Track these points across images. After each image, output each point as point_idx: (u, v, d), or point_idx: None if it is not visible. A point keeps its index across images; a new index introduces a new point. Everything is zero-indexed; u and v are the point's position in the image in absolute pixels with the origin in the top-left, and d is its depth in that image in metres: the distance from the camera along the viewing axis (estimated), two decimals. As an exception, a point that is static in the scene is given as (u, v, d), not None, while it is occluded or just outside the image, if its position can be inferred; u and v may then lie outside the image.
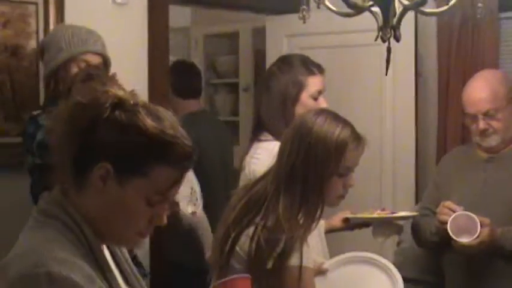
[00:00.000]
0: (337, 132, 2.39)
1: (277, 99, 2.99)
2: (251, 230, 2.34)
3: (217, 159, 4.00)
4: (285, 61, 3.15)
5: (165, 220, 1.67)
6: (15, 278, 1.49)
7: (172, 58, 4.56)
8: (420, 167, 4.23)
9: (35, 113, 2.81)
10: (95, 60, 3.01)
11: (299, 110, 2.97)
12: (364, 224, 3.21)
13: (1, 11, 3.31)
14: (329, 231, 3.17)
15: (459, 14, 4.02)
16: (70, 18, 3.45)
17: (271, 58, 3.86)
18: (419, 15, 3.69)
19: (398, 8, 2.20)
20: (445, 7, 2.26)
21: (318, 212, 2.39)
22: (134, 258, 3.05)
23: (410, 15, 3.54)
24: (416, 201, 3.70)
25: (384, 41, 2.24)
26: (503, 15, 4.01)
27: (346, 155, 2.38)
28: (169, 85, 4.13)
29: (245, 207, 2.43)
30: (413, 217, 3.22)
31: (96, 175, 1.58)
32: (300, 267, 2.31)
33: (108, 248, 1.76)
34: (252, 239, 2.34)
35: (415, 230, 3.11)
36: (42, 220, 1.62)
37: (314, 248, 2.68)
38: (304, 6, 2.19)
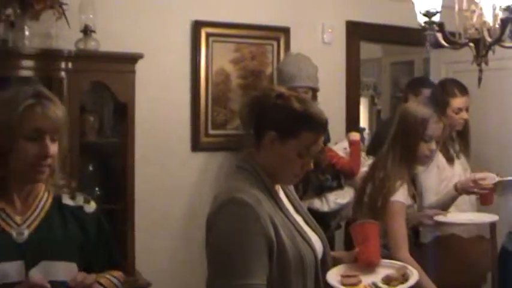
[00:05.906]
0: (423, 113, 2.79)
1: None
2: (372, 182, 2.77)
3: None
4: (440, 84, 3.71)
5: (311, 167, 1.98)
6: (223, 200, 1.87)
7: (367, 79, 5.24)
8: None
9: None
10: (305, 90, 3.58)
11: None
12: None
13: (251, 50, 4.02)
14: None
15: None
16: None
17: (434, 78, 4.43)
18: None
19: (485, 43, 2.74)
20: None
21: (411, 166, 2.78)
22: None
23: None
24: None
25: (478, 65, 2.80)
26: None
27: (429, 127, 2.78)
28: (358, 101, 4.57)
29: (371, 167, 2.92)
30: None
31: (267, 139, 1.90)
32: (396, 201, 2.67)
33: (288, 199, 2.06)
34: (372, 187, 2.75)
35: None
36: (237, 171, 1.97)
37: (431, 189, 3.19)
38: (428, 43, 2.67)
